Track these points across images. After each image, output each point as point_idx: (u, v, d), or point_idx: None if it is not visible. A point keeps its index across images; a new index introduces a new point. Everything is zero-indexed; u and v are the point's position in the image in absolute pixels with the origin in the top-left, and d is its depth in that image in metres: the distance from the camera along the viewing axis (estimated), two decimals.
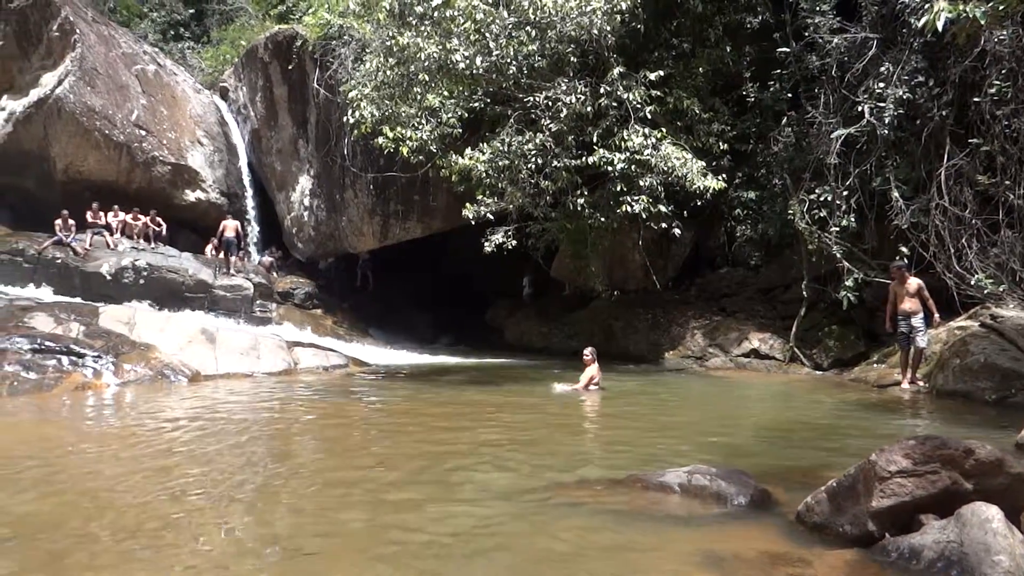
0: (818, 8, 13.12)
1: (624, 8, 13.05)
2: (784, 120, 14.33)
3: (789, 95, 14.34)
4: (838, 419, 8.74)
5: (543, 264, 18.05)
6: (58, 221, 17.44)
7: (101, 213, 18.42)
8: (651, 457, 6.32)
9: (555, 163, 13.50)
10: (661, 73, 13.55)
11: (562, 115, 13.28)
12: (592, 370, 10.92)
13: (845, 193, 12.80)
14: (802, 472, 5.52)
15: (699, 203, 13.66)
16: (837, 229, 12.86)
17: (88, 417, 9.57)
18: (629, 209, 13.27)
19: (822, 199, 13.16)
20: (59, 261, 17.11)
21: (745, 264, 16.08)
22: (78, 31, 18.85)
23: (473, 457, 6.50)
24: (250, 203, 22.41)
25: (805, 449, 6.80)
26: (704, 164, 13.34)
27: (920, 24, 7.98)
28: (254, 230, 22.33)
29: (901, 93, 11.98)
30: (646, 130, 13.16)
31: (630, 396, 10.92)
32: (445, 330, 21.56)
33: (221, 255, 19.29)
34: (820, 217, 13.25)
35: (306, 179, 20.61)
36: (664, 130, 13.44)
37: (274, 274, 20.52)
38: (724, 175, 13.75)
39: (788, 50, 13.78)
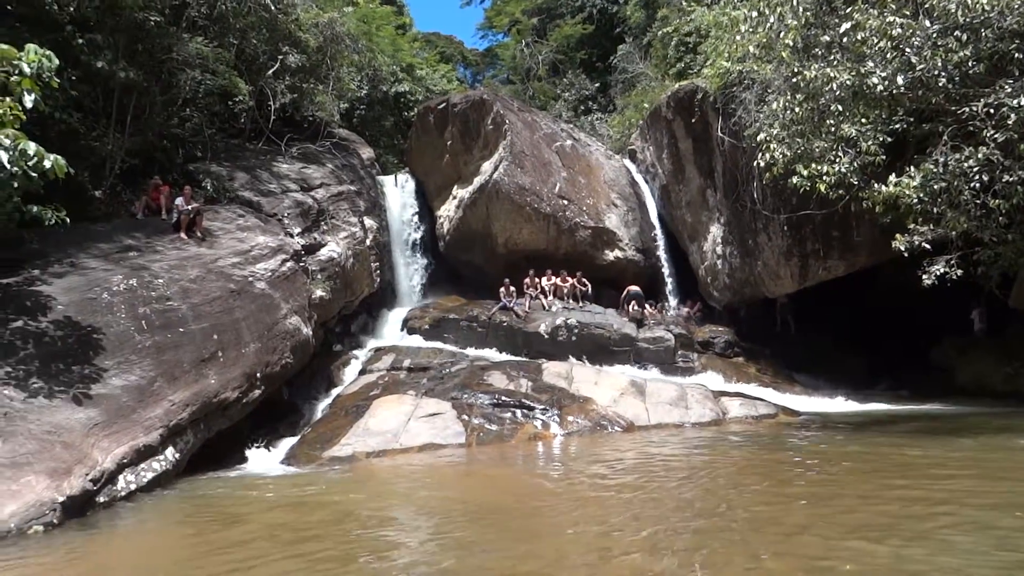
0: None
1: None
2: None
3: None
4: None
5: (998, 293, 15.62)
6: (502, 289, 19.82)
7: (536, 278, 20.48)
8: None
9: (1006, 177, 11.67)
10: None
11: (1010, 121, 11.47)
12: None
13: None
14: None
15: None
16: None
17: (550, 466, 10.46)
18: None
19: None
20: (504, 324, 19.33)
21: None
22: (507, 122, 21.47)
23: (944, 525, 5.72)
24: (663, 256, 23.11)
25: None
26: None
27: None
28: (669, 282, 22.93)
29: None
30: None
31: None
32: (881, 373, 19.67)
33: (631, 307, 20.02)
34: None
35: (716, 227, 20.67)
36: None
37: (693, 324, 20.77)
38: None
39: None
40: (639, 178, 24.28)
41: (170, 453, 10.06)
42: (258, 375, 12.28)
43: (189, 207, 13.70)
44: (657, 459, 9.87)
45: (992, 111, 11.73)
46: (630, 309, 19.89)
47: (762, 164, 14.19)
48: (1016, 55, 11.74)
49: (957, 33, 11.56)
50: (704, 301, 21.97)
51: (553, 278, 20.78)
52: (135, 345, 10.46)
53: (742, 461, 9.76)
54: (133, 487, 9.13)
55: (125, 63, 13.97)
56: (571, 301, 20.42)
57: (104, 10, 13.70)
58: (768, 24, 13.96)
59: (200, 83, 16.37)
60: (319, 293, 15.71)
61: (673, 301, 22.58)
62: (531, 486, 8.62)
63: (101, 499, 8.62)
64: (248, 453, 12.42)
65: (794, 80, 13.21)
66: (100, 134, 14.24)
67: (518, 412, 13.00)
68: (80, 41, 13.15)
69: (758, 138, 14.37)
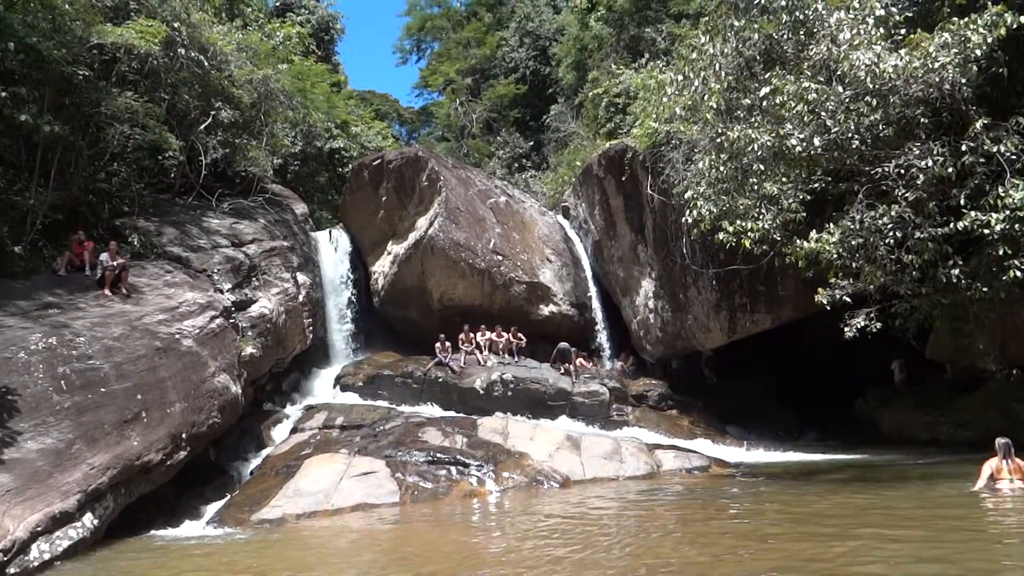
0: None
1: (979, 55, 11.77)
2: None
3: None
4: None
5: (916, 345, 16.25)
6: (437, 344, 19.70)
7: (471, 334, 20.46)
8: None
9: (917, 234, 12.27)
10: None
11: (919, 181, 12.12)
12: (993, 463, 9.46)
13: None
14: None
15: None
16: None
17: (485, 527, 10.30)
18: (1018, 274, 11.52)
19: None
20: (440, 380, 19.19)
21: None
22: (442, 178, 21.66)
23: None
24: (597, 311, 23.40)
25: None
26: None
27: None
28: (603, 336, 23.18)
29: None
30: None
31: None
32: (809, 424, 20.15)
33: (565, 366, 20.07)
34: None
35: (648, 282, 21.08)
36: None
37: (627, 378, 20.97)
38: None
39: None
40: (572, 234, 24.68)
41: (88, 520, 9.61)
42: (183, 436, 11.88)
43: (114, 263, 13.36)
44: (592, 517, 9.84)
45: (903, 171, 12.35)
46: (567, 367, 19.93)
47: (690, 220, 14.59)
48: (921, 119, 12.46)
49: (868, 98, 12.21)
50: (637, 355, 22.23)
51: (488, 333, 20.76)
52: (53, 406, 10.04)
53: (675, 516, 9.81)
54: (47, 556, 8.68)
55: (51, 117, 13.68)
56: (507, 356, 20.41)
57: (30, 63, 13.45)
58: (693, 87, 14.54)
59: (129, 137, 16.08)
60: (249, 350, 15.38)
61: (608, 355, 22.79)
62: (466, 549, 8.49)
63: (12, 570, 8.16)
64: (173, 517, 11.92)
65: (718, 140, 13.71)
66: (22, 188, 13.83)
67: (453, 469, 12.84)
68: (3, 94, 12.84)
69: (686, 195, 14.80)
